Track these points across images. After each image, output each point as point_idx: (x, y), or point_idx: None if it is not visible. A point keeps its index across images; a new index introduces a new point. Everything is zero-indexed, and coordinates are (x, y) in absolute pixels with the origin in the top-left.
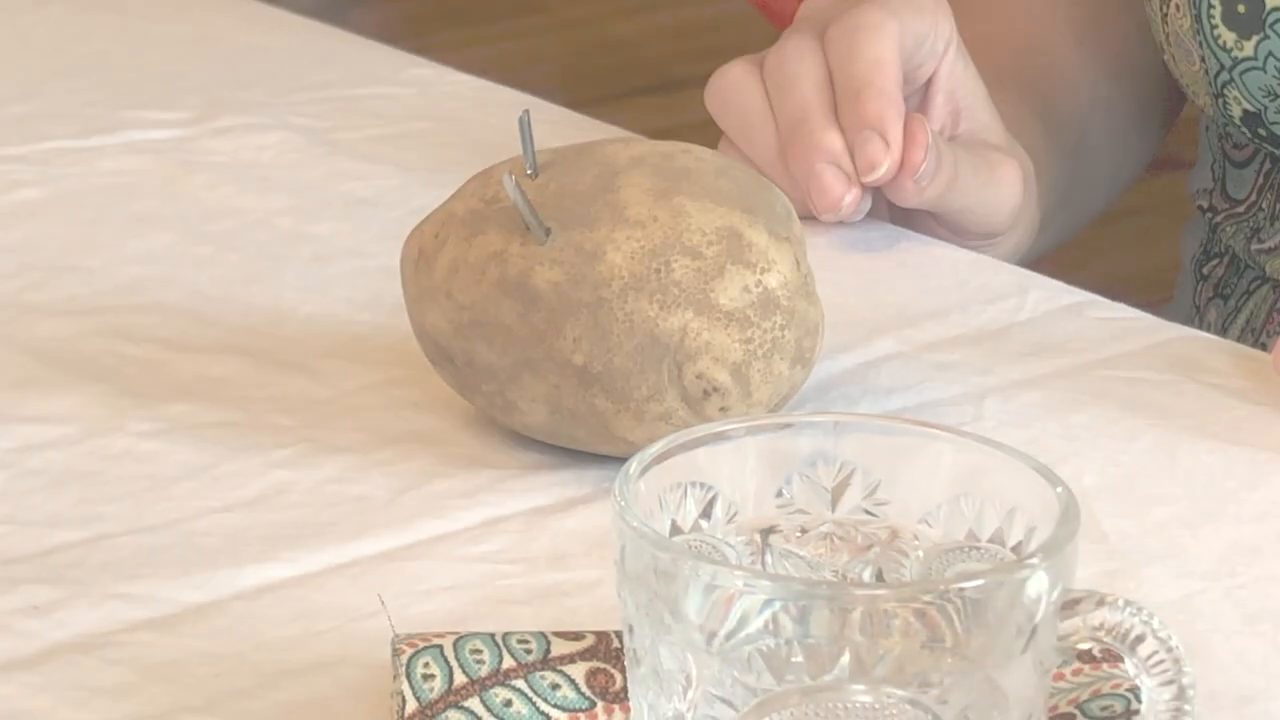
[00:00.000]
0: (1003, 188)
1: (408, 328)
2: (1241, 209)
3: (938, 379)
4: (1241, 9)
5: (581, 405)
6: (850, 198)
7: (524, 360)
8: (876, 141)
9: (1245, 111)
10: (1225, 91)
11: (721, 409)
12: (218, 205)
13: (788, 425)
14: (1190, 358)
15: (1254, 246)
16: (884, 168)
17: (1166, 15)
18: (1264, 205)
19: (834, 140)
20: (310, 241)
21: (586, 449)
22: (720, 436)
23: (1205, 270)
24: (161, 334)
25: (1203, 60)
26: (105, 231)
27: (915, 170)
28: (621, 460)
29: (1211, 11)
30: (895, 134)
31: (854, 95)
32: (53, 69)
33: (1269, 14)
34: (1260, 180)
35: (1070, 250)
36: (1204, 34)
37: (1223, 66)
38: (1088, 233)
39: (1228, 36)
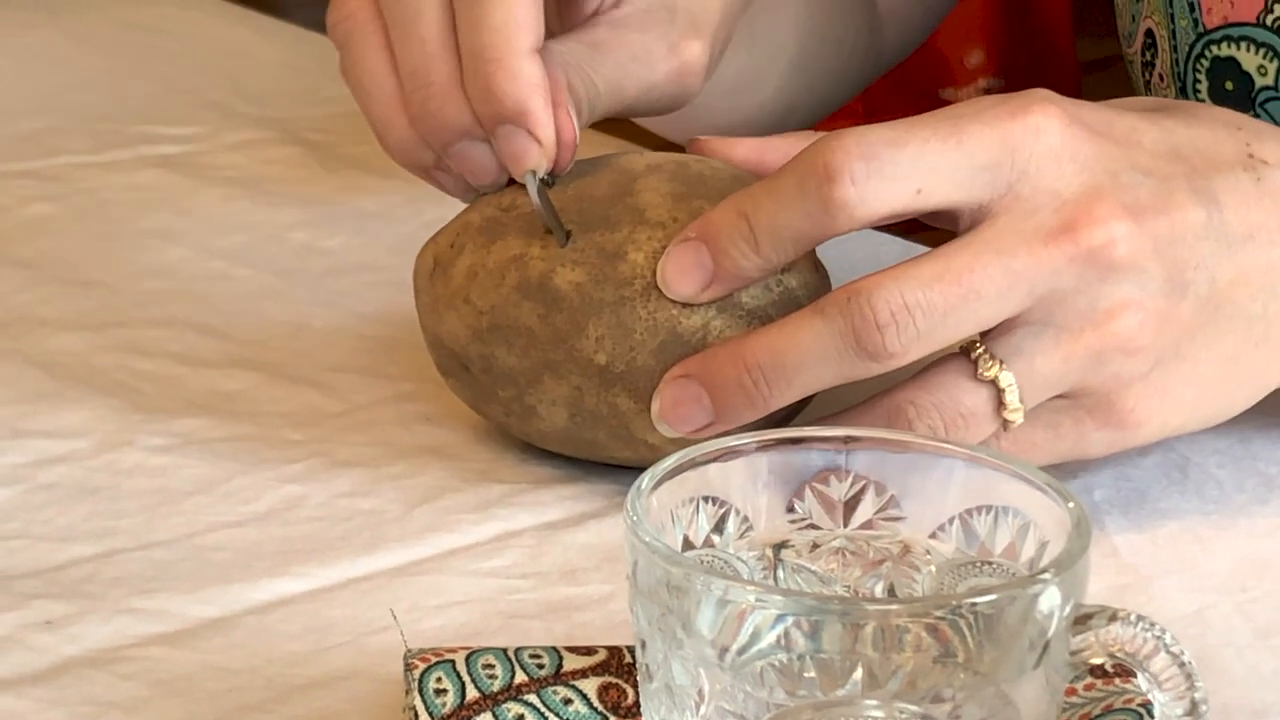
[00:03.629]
0: (672, 84)
1: (420, 341)
2: None
3: None
4: (1229, 86)
5: (603, 406)
6: (500, 179)
7: (545, 362)
8: (522, 137)
9: None
10: None
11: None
12: (230, 219)
13: (799, 440)
14: None
15: None
16: (533, 162)
17: (1149, 84)
18: None
19: (463, 117)
20: (322, 256)
21: (604, 453)
22: (732, 451)
23: None
24: (174, 348)
25: None
26: (118, 246)
27: (565, 168)
28: (635, 471)
29: (1198, 86)
30: (546, 132)
31: (482, 74)
32: (66, 84)
33: (1258, 93)
34: None
35: None
36: None
37: None
38: None
39: None
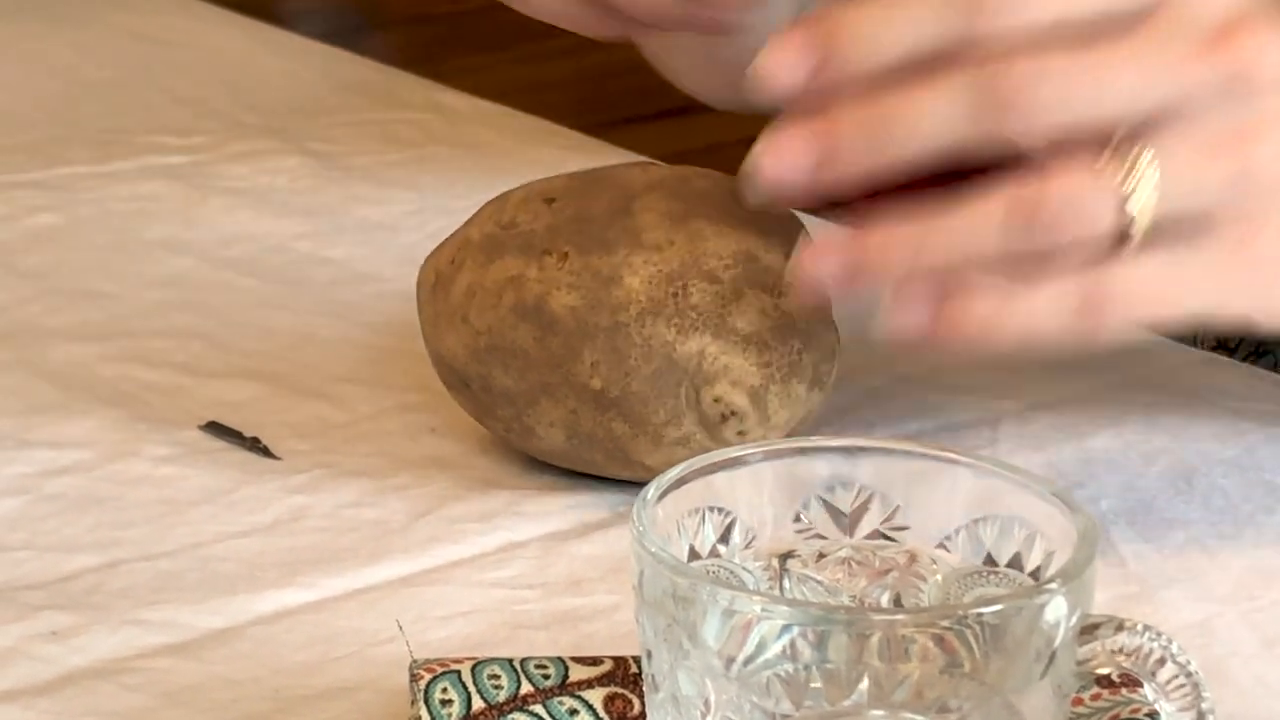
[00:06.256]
0: None
1: (424, 352)
2: None
3: (954, 403)
4: None
5: (599, 430)
6: None
7: (541, 385)
8: None
9: None
10: None
11: (739, 433)
12: (235, 230)
13: (805, 450)
14: (1207, 381)
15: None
16: None
17: None
18: None
19: None
20: (327, 266)
21: (604, 473)
22: (738, 461)
23: None
24: (178, 359)
25: None
26: (123, 256)
27: None
28: (639, 485)
29: None
30: None
31: None
32: (70, 95)
33: None
34: None
35: None
36: None
37: None
38: None
39: None
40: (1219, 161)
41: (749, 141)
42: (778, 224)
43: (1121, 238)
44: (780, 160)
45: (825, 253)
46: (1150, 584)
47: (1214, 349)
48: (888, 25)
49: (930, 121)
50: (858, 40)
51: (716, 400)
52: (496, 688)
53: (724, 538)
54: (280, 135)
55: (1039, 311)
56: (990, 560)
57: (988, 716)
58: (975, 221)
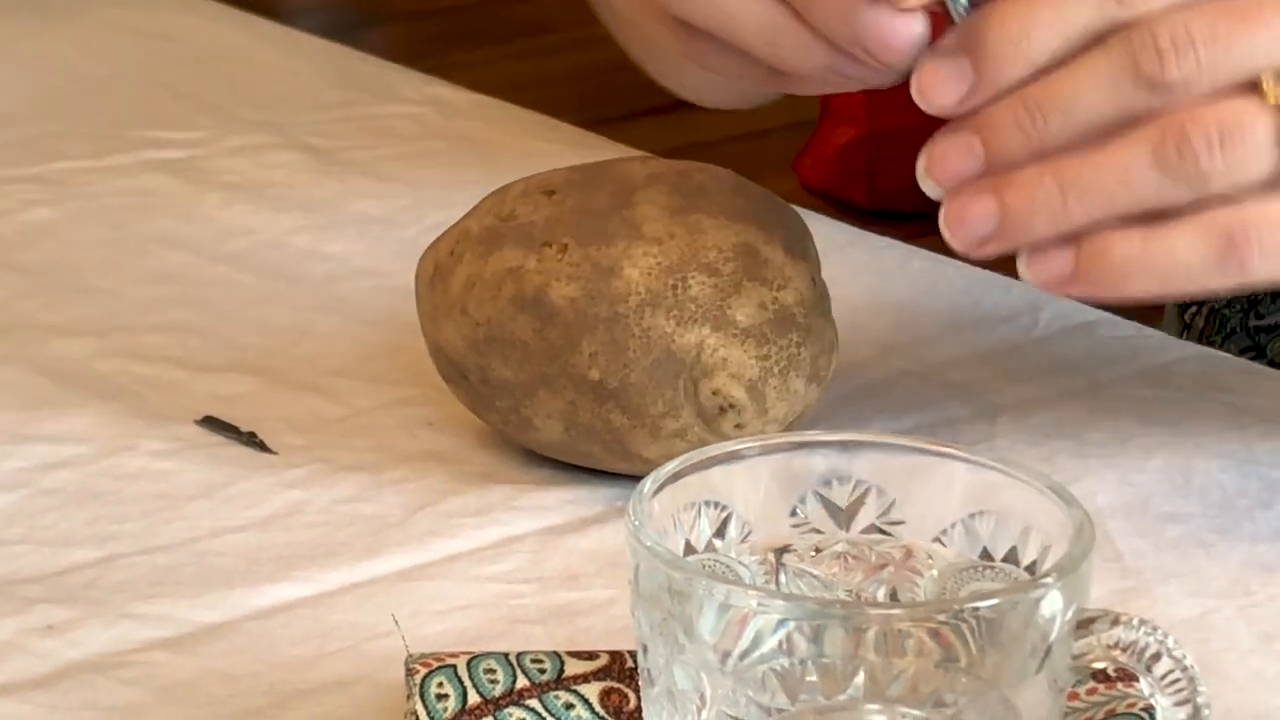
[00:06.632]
0: None
1: (422, 346)
2: None
3: (951, 397)
4: None
5: (597, 421)
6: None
7: (539, 376)
8: None
9: None
10: None
11: (737, 426)
12: (232, 224)
13: (801, 444)
14: (1203, 375)
15: (1252, 322)
16: None
17: None
18: None
19: None
20: (324, 260)
21: (601, 466)
22: (734, 456)
23: (1187, 317)
24: (175, 353)
25: None
26: (120, 251)
27: None
28: (636, 478)
29: None
30: None
31: None
32: (67, 89)
33: None
34: None
35: None
36: None
37: None
38: None
39: None
40: None
41: (747, 137)
42: (777, 218)
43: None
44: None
45: (969, 210)
46: (1147, 579)
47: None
48: (1036, 23)
49: (1085, 101)
50: (1010, 44)
51: (715, 393)
52: (492, 682)
53: (720, 532)
54: (278, 130)
55: (1181, 251)
56: (986, 555)
57: (983, 711)
58: (1121, 164)
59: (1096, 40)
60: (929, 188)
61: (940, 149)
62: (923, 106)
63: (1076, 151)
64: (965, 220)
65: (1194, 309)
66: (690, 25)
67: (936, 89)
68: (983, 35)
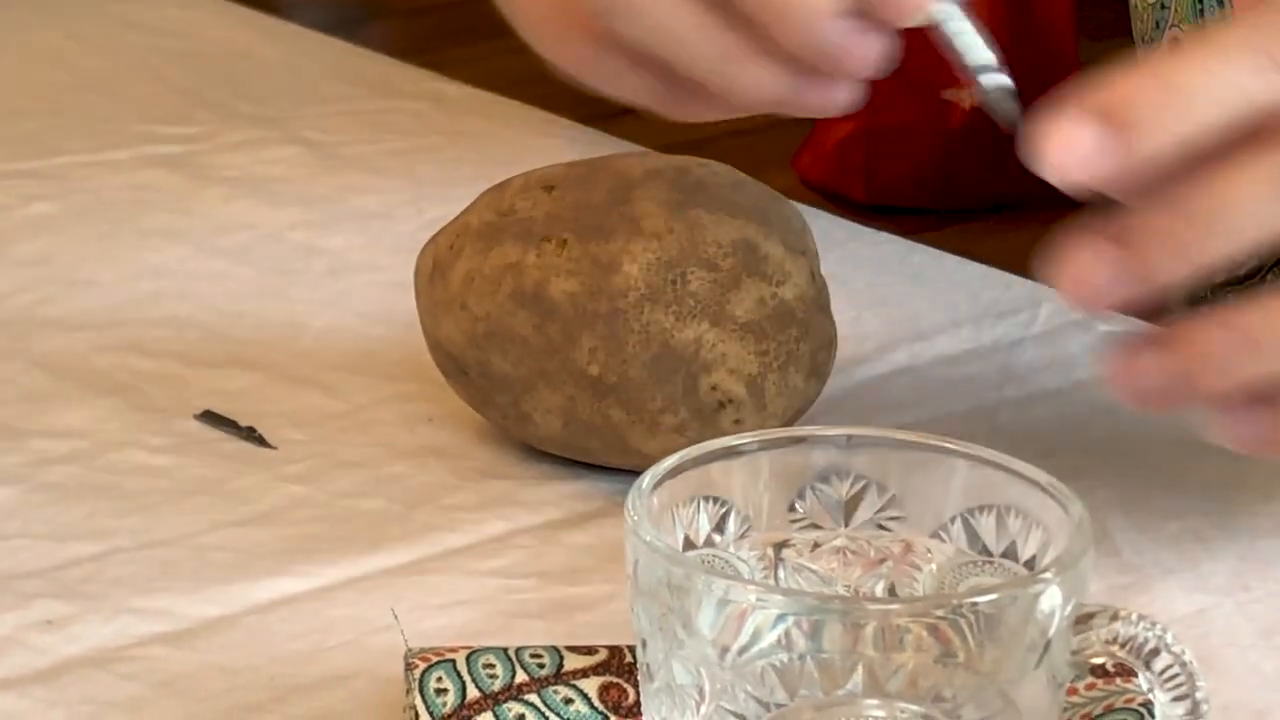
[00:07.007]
0: None
1: (421, 341)
2: (1242, 272)
3: (951, 393)
4: None
5: (596, 417)
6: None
7: (539, 371)
8: None
9: None
10: None
11: (736, 421)
12: (231, 219)
13: (801, 440)
14: None
15: None
16: None
17: None
18: (1269, 279)
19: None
20: (323, 255)
21: (600, 461)
22: (733, 451)
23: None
24: (174, 348)
25: None
26: (119, 246)
27: None
28: (635, 473)
29: None
30: None
31: None
32: (66, 84)
33: None
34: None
35: None
36: None
37: None
38: None
39: None
40: None
41: (746, 132)
42: (776, 213)
43: None
44: (1083, 285)
45: (1143, 368)
46: (1146, 574)
47: None
48: (1187, 89)
49: (1246, 220)
50: (1158, 111)
51: (713, 388)
52: (491, 677)
53: (719, 527)
54: (277, 124)
55: None
56: (985, 550)
57: (982, 706)
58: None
59: (1258, 123)
60: (1069, 299)
61: (1074, 262)
62: (1049, 178)
63: (1251, 303)
64: (1134, 376)
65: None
66: (614, 40)
67: (1069, 157)
68: (1126, 98)
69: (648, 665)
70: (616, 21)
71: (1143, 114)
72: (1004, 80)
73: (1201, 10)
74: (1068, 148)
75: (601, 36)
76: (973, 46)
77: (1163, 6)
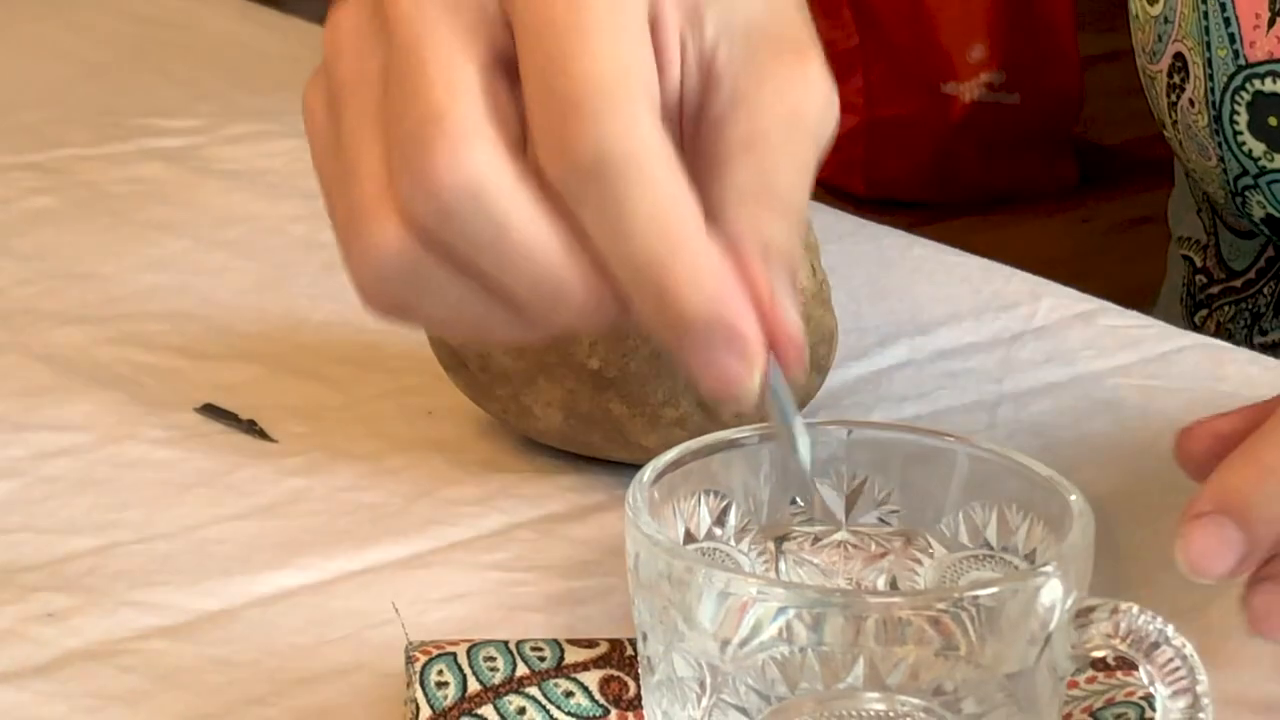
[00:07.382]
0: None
1: (421, 335)
2: (1239, 284)
3: (951, 387)
4: (1273, 122)
5: (596, 410)
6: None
7: (539, 365)
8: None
9: (1268, 215)
10: (1247, 194)
11: (736, 415)
12: (231, 212)
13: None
14: (1204, 365)
15: (1256, 339)
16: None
17: (1176, 105)
18: (1265, 290)
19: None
20: (323, 248)
21: (601, 454)
22: (734, 444)
23: (1197, 319)
24: (175, 341)
25: (1221, 160)
26: (119, 239)
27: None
28: (635, 466)
29: (1236, 118)
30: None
31: (652, 282)
32: (67, 77)
33: None
34: (1263, 262)
35: (1082, 259)
36: (1225, 137)
37: (1245, 171)
38: (1100, 241)
39: (1255, 146)
40: None
41: None
42: None
43: None
44: (1210, 566)
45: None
46: (1146, 567)
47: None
48: None
49: None
50: (1268, 504)
51: None
52: (492, 670)
53: (720, 520)
54: (277, 118)
55: None
56: (986, 544)
57: (983, 699)
58: None
59: None
60: (1195, 578)
61: (1198, 545)
62: (1194, 578)
63: None
64: (1206, 552)
65: (1204, 312)
66: (430, 240)
67: (1209, 560)
68: (1244, 495)
69: (649, 658)
70: (432, 217)
71: (1254, 506)
72: (809, 441)
73: (1207, 28)
74: (1203, 551)
75: (410, 228)
76: (789, 406)
77: (1166, 20)
